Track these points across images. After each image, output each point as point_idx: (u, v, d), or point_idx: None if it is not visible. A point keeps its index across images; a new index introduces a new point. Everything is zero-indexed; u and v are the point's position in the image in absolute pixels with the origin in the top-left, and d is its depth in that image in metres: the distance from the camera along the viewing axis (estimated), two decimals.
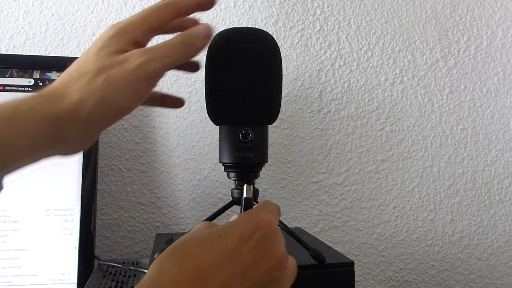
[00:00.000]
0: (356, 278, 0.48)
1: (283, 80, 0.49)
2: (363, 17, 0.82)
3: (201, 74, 0.75)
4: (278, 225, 0.33)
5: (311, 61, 0.80)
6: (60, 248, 0.58)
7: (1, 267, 0.56)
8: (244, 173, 0.40)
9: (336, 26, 0.81)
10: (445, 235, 0.85)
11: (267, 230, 0.30)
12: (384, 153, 0.83)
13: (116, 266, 0.62)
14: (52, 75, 0.63)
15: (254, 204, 0.37)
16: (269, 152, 0.44)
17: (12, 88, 0.61)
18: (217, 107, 0.38)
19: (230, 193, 0.42)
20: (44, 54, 0.72)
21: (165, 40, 0.32)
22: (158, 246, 0.53)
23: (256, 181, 0.41)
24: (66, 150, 0.31)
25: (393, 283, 0.83)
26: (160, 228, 0.75)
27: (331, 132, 0.81)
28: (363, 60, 0.82)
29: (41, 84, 0.62)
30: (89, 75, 0.29)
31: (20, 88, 0.62)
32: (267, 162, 0.41)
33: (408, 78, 0.84)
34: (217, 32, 0.39)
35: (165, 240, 0.48)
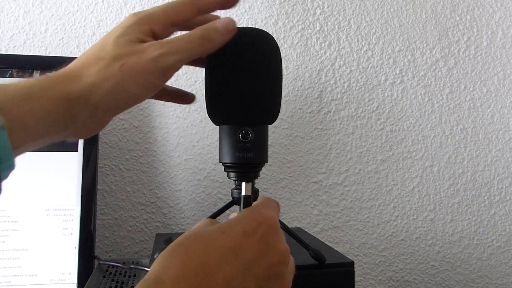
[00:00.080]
0: (356, 278, 0.48)
1: (283, 80, 0.49)
2: (363, 17, 0.82)
3: (201, 74, 0.75)
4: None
5: (311, 61, 0.80)
6: (60, 248, 0.58)
7: (1, 267, 0.56)
8: (244, 173, 0.40)
9: (336, 26, 0.81)
10: (445, 235, 0.85)
11: (270, 226, 0.30)
12: (384, 153, 0.83)
13: (116, 266, 0.62)
14: None
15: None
16: (269, 152, 0.44)
17: None
18: (217, 107, 0.38)
19: (230, 193, 0.42)
20: (44, 54, 0.72)
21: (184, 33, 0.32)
22: (158, 246, 0.53)
23: (256, 181, 0.41)
24: (77, 134, 0.31)
25: (393, 283, 0.83)
26: (160, 228, 0.75)
27: (331, 132, 0.81)
28: (363, 60, 0.82)
29: None
30: (105, 60, 0.29)
31: None
32: (267, 162, 0.41)
33: (408, 78, 0.84)
34: None
35: (164, 240, 0.48)
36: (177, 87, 0.41)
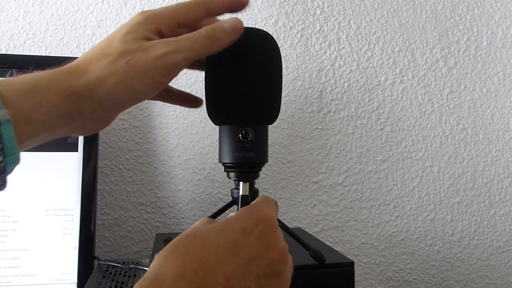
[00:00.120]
0: (356, 278, 0.48)
1: (283, 80, 0.49)
2: (363, 17, 0.82)
3: (201, 74, 0.75)
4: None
5: (311, 61, 0.80)
6: (60, 248, 0.58)
7: (1, 267, 0.56)
8: (244, 173, 0.40)
9: (336, 26, 0.81)
10: (445, 235, 0.85)
11: (268, 224, 0.30)
12: (384, 153, 0.83)
13: (116, 266, 0.62)
14: None
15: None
16: (269, 152, 0.44)
17: None
18: (217, 107, 0.38)
19: (230, 193, 0.42)
20: (44, 54, 0.72)
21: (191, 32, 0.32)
22: (158, 246, 0.53)
23: (256, 181, 0.42)
24: (81, 129, 0.31)
25: (393, 283, 0.83)
26: (160, 228, 0.75)
27: (331, 132, 0.81)
28: (363, 60, 0.82)
29: None
30: (112, 56, 0.29)
31: None
32: (267, 162, 0.41)
33: (408, 78, 0.84)
34: None
35: (163, 239, 0.48)
36: (177, 87, 0.41)
